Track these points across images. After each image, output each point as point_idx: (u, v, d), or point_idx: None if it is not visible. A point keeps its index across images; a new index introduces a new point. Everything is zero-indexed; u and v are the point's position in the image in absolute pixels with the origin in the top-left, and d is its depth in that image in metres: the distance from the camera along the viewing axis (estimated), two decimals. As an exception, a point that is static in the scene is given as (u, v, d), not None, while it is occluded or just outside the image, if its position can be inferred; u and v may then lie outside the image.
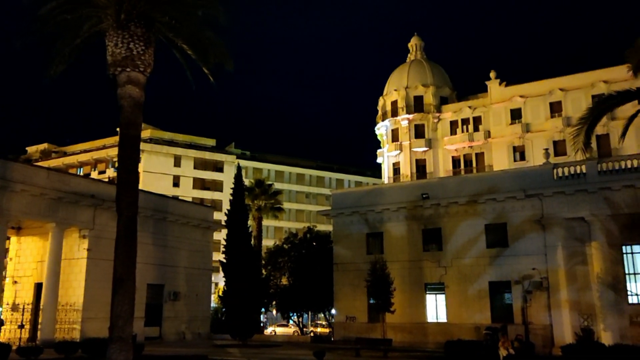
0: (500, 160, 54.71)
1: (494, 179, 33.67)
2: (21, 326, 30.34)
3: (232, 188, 37.33)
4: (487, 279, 31.64)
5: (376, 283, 30.02)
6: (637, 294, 28.39)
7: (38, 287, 32.15)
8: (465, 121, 59.03)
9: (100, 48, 19.88)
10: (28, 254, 34.02)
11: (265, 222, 58.67)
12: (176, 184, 78.70)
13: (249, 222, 41.62)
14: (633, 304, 28.23)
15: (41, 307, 30.22)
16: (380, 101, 64.90)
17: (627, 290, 28.40)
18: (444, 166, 58.99)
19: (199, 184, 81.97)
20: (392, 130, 62.49)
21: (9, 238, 32.60)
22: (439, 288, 33.20)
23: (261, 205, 52.61)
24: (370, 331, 32.22)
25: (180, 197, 58.09)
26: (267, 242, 62.85)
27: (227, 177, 78.31)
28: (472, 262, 32.18)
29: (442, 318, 32.78)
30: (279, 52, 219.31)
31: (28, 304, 31.97)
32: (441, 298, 33.12)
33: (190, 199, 64.85)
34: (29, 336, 31.00)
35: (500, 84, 57.10)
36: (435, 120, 60.39)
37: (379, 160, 65.56)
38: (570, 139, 18.04)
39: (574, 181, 29.90)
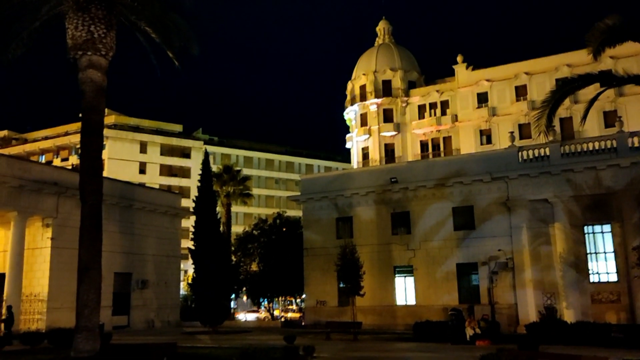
0: (467, 144, 55.49)
1: (461, 162, 34.15)
2: (-17, 318, 29.52)
3: (199, 174, 36.87)
4: (454, 261, 32.23)
5: (346, 267, 30.20)
6: (598, 273, 29.36)
7: (0, 278, 31.28)
8: (433, 105, 59.55)
9: (60, 31, 19.24)
10: (-11, 244, 32.98)
11: (234, 209, 58.27)
12: (142, 170, 77.33)
13: (218, 209, 41.26)
14: (594, 283, 29.22)
15: (4, 298, 29.43)
16: (349, 85, 64.86)
17: (588, 270, 29.36)
18: (413, 150, 59.53)
19: (166, 170, 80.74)
20: (361, 115, 62.62)
21: (-33, 228, 31.53)
22: (407, 271, 33.67)
23: (230, 192, 52.18)
24: (341, 315, 32.52)
25: (146, 184, 57.17)
26: (237, 229, 62.51)
27: (194, 164, 77.32)
28: (440, 245, 32.70)
29: (411, 300, 33.31)
30: (246, 35, 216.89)
31: (-10, 296, 31.11)
32: (410, 281, 33.61)
33: (157, 186, 63.87)
34: (-8, 328, 30.20)
35: (467, 68, 57.67)
36: (404, 105, 60.74)
37: (348, 145, 65.71)
38: (534, 122, 18.32)
39: (538, 164, 30.57)
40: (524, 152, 31.39)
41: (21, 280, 29.39)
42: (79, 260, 18.37)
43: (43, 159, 76.98)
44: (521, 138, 49.94)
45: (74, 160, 72.99)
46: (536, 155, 30.94)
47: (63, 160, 76.90)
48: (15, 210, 29.47)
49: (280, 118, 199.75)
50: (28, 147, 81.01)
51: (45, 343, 22.39)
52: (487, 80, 56.01)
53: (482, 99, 56.47)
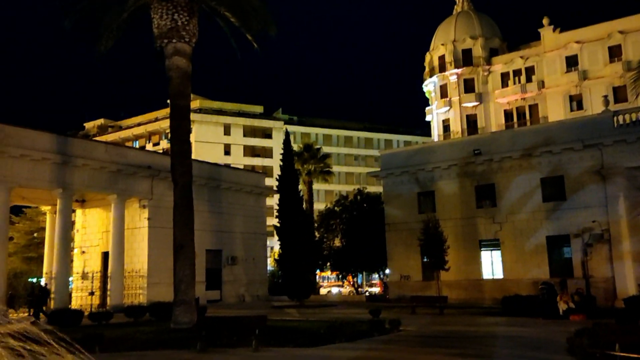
0: (555, 111, 52.56)
1: (550, 130, 32.49)
2: (91, 293, 32.23)
3: (281, 154, 37.70)
4: (544, 233, 30.96)
5: (429, 241, 29.93)
6: None
7: (105, 256, 33.91)
8: (517, 72, 56.79)
9: (146, 21, 20.24)
10: (93, 224, 35.79)
11: (316, 186, 59.16)
12: (227, 152, 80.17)
13: (300, 187, 42.09)
14: (702, 254, 27.02)
15: (109, 274, 31.92)
16: (427, 57, 63.21)
17: (695, 240, 27.15)
18: (496, 120, 57.27)
19: (249, 151, 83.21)
20: (441, 87, 60.95)
21: (74, 211, 34.32)
22: (494, 244, 32.79)
23: (311, 170, 52.97)
24: (425, 289, 32.35)
25: (232, 165, 59.20)
26: (318, 206, 63.47)
27: (276, 143, 79.02)
28: (528, 217, 31.51)
29: (498, 274, 32.48)
30: (321, 12, 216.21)
31: (96, 272, 33.83)
32: (496, 254, 32.73)
33: (241, 166, 66.00)
34: (99, 302, 32.92)
35: (554, 30, 54.34)
36: (486, 74, 58.38)
37: (427, 118, 64.35)
38: (630, 84, 17.02)
39: (636, 128, 28.45)
40: (620, 117, 29.28)
41: (123, 258, 31.67)
42: (174, 238, 19.58)
43: (137, 144, 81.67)
44: (616, 102, 46.53)
45: (164, 144, 76.89)
46: (634, 119, 28.77)
47: (155, 144, 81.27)
48: (115, 192, 31.67)
49: (358, 94, 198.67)
50: (122, 134, 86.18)
51: (146, 316, 24.11)
52: (577, 42, 52.48)
53: (572, 62, 53.08)
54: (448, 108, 59.78)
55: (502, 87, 57.40)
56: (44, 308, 27.00)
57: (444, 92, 60.60)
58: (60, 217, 29.61)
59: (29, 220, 46.89)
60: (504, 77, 57.63)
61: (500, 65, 57.90)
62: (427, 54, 63.24)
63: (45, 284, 29.54)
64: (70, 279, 31.77)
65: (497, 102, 57.58)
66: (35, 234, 45.21)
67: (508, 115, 57.16)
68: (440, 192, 34.92)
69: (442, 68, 60.52)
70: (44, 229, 37.38)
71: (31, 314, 26.56)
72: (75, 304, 31.23)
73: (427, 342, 15.30)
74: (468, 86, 59.02)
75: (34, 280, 40.07)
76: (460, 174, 34.13)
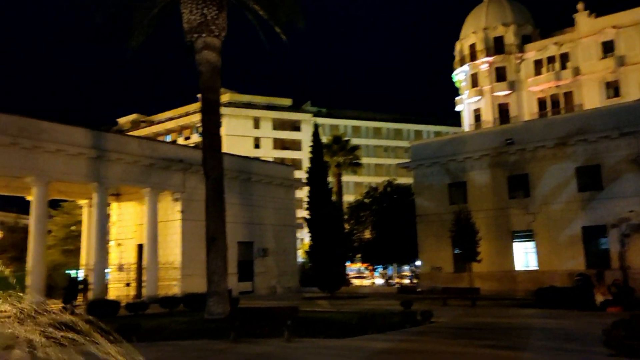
0: (591, 99, 51.16)
1: (585, 118, 31.69)
2: (127, 284, 33.02)
3: (310, 146, 37.75)
4: (579, 224, 30.29)
5: (461, 233, 29.63)
6: None
7: (139, 248, 34.66)
8: (550, 59, 55.44)
9: (176, 16, 20.48)
10: (128, 217, 36.60)
11: (345, 178, 59.12)
12: (257, 145, 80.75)
13: (329, 179, 42.14)
14: None
15: (144, 266, 32.62)
16: (457, 46, 62.21)
17: None
18: (529, 109, 56.07)
19: (279, 144, 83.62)
20: (472, 76, 59.96)
21: (110, 204, 35.15)
22: (527, 235, 32.26)
23: (340, 162, 52.96)
24: (457, 281, 32.07)
25: (261, 158, 59.62)
26: (348, 198, 63.44)
27: (304, 136, 79.21)
28: (563, 208, 30.86)
29: (532, 266, 31.97)
30: (350, 3, 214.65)
31: (132, 264, 34.63)
32: (530, 245, 32.20)
33: (271, 159, 66.41)
34: (135, 293, 33.70)
35: (589, 15, 52.78)
36: (518, 61, 57.16)
37: (458, 108, 63.47)
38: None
39: (676, 115, 27.51)
40: (660, 103, 28.35)
41: (157, 250, 32.30)
42: (206, 230, 19.89)
43: (169, 139, 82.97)
44: (656, 88, 45.03)
45: (195, 138, 77.90)
46: (674, 105, 27.82)
47: (186, 138, 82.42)
48: (148, 186, 32.29)
49: (387, 85, 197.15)
50: (155, 129, 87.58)
51: (181, 306, 24.58)
52: (613, 27, 50.86)
53: (608, 48, 51.51)
54: (479, 97, 58.81)
55: (536, 74, 56.14)
56: (81, 299, 27.75)
57: (474, 81, 59.62)
58: (96, 211, 30.38)
59: (66, 214, 48.25)
60: (537, 64, 56.33)
61: (533, 52, 56.60)
62: (457, 42, 62.25)
63: (86, 276, 30.40)
64: (107, 270, 32.56)
65: (530, 91, 56.35)
66: (72, 227, 46.50)
67: (542, 103, 55.91)
68: (471, 182, 34.49)
69: (473, 57, 59.49)
70: (81, 222, 38.41)
71: (72, 304, 27.34)
72: (112, 294, 32.01)
73: (459, 333, 15.18)
74: (500, 74, 57.92)
75: (71, 272, 41.29)
76: (492, 164, 33.62)
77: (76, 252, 38.46)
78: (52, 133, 27.78)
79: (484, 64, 58.40)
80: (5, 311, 5.52)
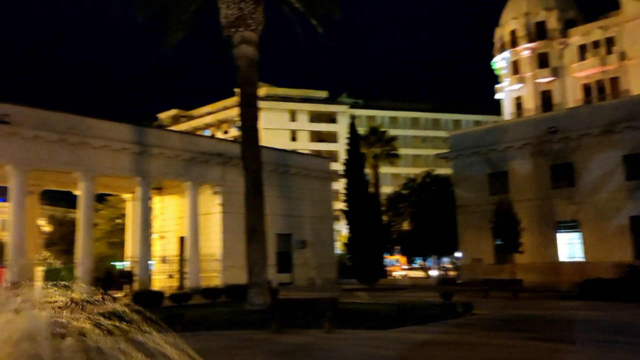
0: (638, 84, 49.13)
1: (633, 104, 30.53)
2: (170, 276, 33.85)
3: (347, 138, 37.68)
4: (627, 213, 29.28)
5: (502, 224, 29.10)
6: None
7: (181, 240, 35.45)
8: (595, 44, 53.51)
9: (213, 12, 20.72)
10: (170, 211, 37.46)
11: (382, 170, 58.75)
12: (293, 138, 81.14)
13: (366, 170, 42.01)
14: None
15: (186, 258, 33.36)
16: (497, 32, 60.73)
17: None
18: (573, 96, 54.32)
19: (315, 136, 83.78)
20: (513, 62, 58.47)
21: (152, 198, 36.03)
22: (571, 226, 31.41)
23: (377, 153, 52.67)
24: (498, 272, 31.51)
25: (298, 150, 59.89)
26: (385, 189, 63.05)
27: (341, 128, 79.07)
28: (609, 197, 29.88)
29: (577, 257, 31.13)
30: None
31: (174, 256, 35.45)
32: (575, 236, 31.36)
33: (308, 152, 66.61)
34: (178, 284, 34.52)
35: (636, -3, 50.62)
36: (561, 47, 55.41)
37: (498, 96, 62.07)
38: None
39: None
40: None
41: (198, 243, 32.96)
42: (246, 223, 20.17)
43: (208, 133, 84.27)
44: None
45: (233, 132, 78.84)
46: None
47: (224, 132, 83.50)
48: (189, 180, 32.94)
49: (424, 75, 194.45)
50: (194, 123, 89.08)
51: (222, 297, 25.06)
52: (663, 7, 48.67)
53: (656, 31, 49.30)
54: (521, 85, 57.35)
55: (580, 60, 54.30)
56: (128, 289, 28.62)
57: (515, 68, 58.13)
58: (139, 204, 31.21)
59: (111, 208, 49.77)
60: (582, 49, 54.46)
61: (577, 37, 54.74)
62: (497, 29, 60.77)
63: (131, 268, 31.37)
64: (151, 262, 33.44)
65: (574, 77, 54.59)
66: (117, 220, 47.94)
67: (586, 90, 54.09)
68: (513, 172, 33.78)
69: (514, 43, 57.98)
70: (125, 215, 39.54)
71: (109, 295, 28.29)
72: (156, 286, 32.86)
73: (501, 325, 14.97)
74: (542, 61, 56.27)
75: (117, 264, 42.62)
76: (535, 153, 32.82)
77: (121, 244, 39.66)
78: (97, 129, 28.66)
79: (525, 50, 56.85)
80: (57, 301, 5.77)
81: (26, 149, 26.03)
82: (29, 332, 5.26)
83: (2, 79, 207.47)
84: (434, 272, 58.24)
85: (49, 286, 5.93)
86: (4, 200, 50.41)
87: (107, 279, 26.08)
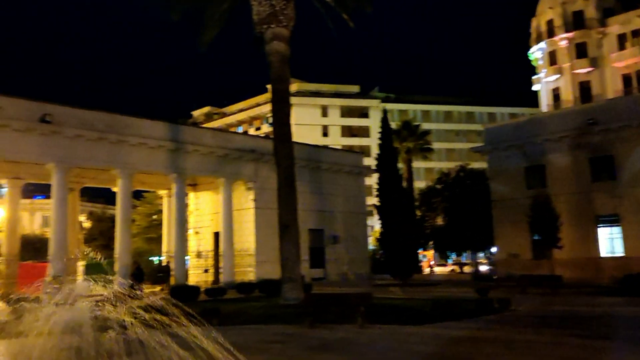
0: (683, 73, 47.37)
1: (677, 94, 29.40)
2: (205, 271, 34.37)
3: (379, 132, 37.48)
4: (671, 207, 28.29)
5: (539, 218, 28.52)
6: None
7: (216, 236, 35.95)
8: (635, 33, 51.76)
9: (245, 10, 20.86)
10: (205, 207, 38.01)
11: (415, 164, 58.24)
12: (325, 133, 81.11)
13: (399, 165, 41.69)
14: None
15: (221, 253, 33.83)
16: (533, 22, 59.36)
17: None
18: (613, 86, 52.70)
19: (347, 131, 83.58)
20: (549, 53, 57.07)
21: (187, 194, 36.65)
22: (612, 220, 30.54)
23: (410, 147, 52.21)
24: (536, 268, 30.88)
25: (330, 146, 59.88)
26: (418, 184, 62.48)
27: (373, 122, 78.65)
28: (653, 190, 28.90)
29: (618, 252, 30.25)
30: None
31: (209, 251, 35.98)
32: (616, 230, 30.48)
33: (339, 147, 66.52)
34: (213, 279, 35.04)
35: (680, -18, 48.75)
36: (600, 36, 53.78)
37: (535, 87, 60.71)
38: None
39: None
40: None
41: (232, 238, 33.37)
42: (279, 218, 20.32)
43: (240, 130, 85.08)
44: None
45: (265, 128, 79.44)
46: None
47: (256, 129, 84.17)
48: (222, 176, 33.35)
49: (457, 67, 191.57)
50: (227, 120, 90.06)
51: (256, 292, 25.35)
52: None
53: (702, 16, 47.35)
54: (558, 76, 55.95)
55: (619, 50, 52.63)
56: (166, 284, 29.20)
57: (553, 59, 56.72)
58: (175, 200, 31.79)
59: (148, 204, 50.84)
60: (621, 39, 52.78)
61: (616, 26, 53.03)
62: (533, 19, 59.40)
63: (167, 262, 32.01)
64: (187, 257, 34.03)
65: (613, 67, 52.95)
66: (154, 216, 48.94)
67: (626, 80, 52.40)
68: (550, 166, 33.02)
69: (551, 33, 56.57)
70: (161, 211, 40.33)
71: (162, 288, 28.87)
72: (191, 280, 33.44)
73: (540, 322, 14.66)
74: (580, 51, 54.75)
75: (155, 259, 43.53)
76: (573, 145, 32.01)
77: (158, 240, 40.48)
78: (134, 128, 29.29)
79: (562, 40, 55.41)
80: (99, 295, 5.93)
81: (67, 148, 26.80)
82: (72, 325, 5.42)
83: (43, 77, 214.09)
84: (466, 268, 57.51)
85: (89, 280, 6.10)
86: (46, 197, 52.06)
87: (138, 273, 26.64)
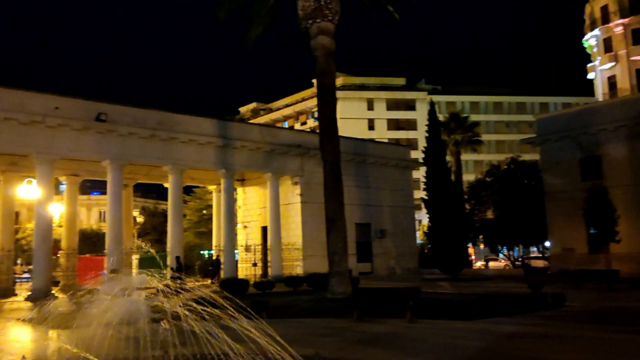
0: None
1: None
2: (254, 264, 34.91)
3: (426, 125, 36.96)
4: None
5: (595, 211, 27.46)
6: None
7: (264, 230, 36.45)
8: (699, 15, 48.83)
9: (290, 6, 20.95)
10: (253, 201, 38.59)
11: (464, 157, 57.14)
12: (371, 126, 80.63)
13: (447, 158, 41.00)
14: None
15: (268, 247, 34.29)
16: (587, 8, 56.95)
17: None
18: (673, 73, 49.97)
19: (393, 124, 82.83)
20: (604, 40, 54.61)
21: (236, 189, 37.28)
22: (674, 213, 29.03)
23: (458, 140, 51.24)
24: (592, 262, 29.76)
25: (376, 139, 59.50)
26: (467, 177, 61.25)
27: (420, 115, 77.64)
28: None
29: (682, 247, 28.76)
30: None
31: (257, 245, 36.55)
32: (679, 224, 28.97)
33: (385, 140, 66.03)
34: (261, 272, 35.57)
35: None
36: (658, 21, 51.04)
37: (590, 76, 58.28)
38: None
39: None
40: None
41: (280, 232, 33.75)
42: (326, 212, 20.38)
43: (286, 125, 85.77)
44: None
45: (311, 123, 79.73)
46: None
47: (302, 124, 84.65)
48: (269, 171, 33.75)
49: (507, 57, 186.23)
50: (273, 116, 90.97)
51: (304, 286, 25.55)
52: None
53: None
54: (614, 63, 53.48)
55: (680, 34, 49.80)
56: (216, 278, 29.87)
57: (608, 45, 54.25)
58: (224, 195, 32.42)
59: (198, 199, 52.10)
60: (681, 22, 49.91)
61: (676, 9, 50.18)
62: (587, 4, 56.96)
63: (217, 256, 32.74)
64: (236, 251, 34.66)
65: (674, 52, 50.18)
66: (204, 211, 50.10)
67: (688, 66, 49.56)
68: (606, 157, 31.71)
69: (606, 19, 54.10)
70: (211, 206, 41.21)
71: (213, 281, 29.58)
72: (240, 274, 34.05)
73: (597, 318, 14.14)
74: (637, 37, 52.08)
75: (205, 252, 44.58)
76: (631, 135, 30.60)
77: (208, 234, 41.42)
78: (184, 125, 30.03)
79: (618, 26, 52.89)
80: (153, 287, 6.13)
81: (122, 145, 27.75)
82: (127, 316, 5.64)
83: (100, 78, 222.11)
84: (487, 264, 55.91)
85: (144, 273, 6.32)
86: (102, 193, 54.11)
87: (178, 266, 27.40)
